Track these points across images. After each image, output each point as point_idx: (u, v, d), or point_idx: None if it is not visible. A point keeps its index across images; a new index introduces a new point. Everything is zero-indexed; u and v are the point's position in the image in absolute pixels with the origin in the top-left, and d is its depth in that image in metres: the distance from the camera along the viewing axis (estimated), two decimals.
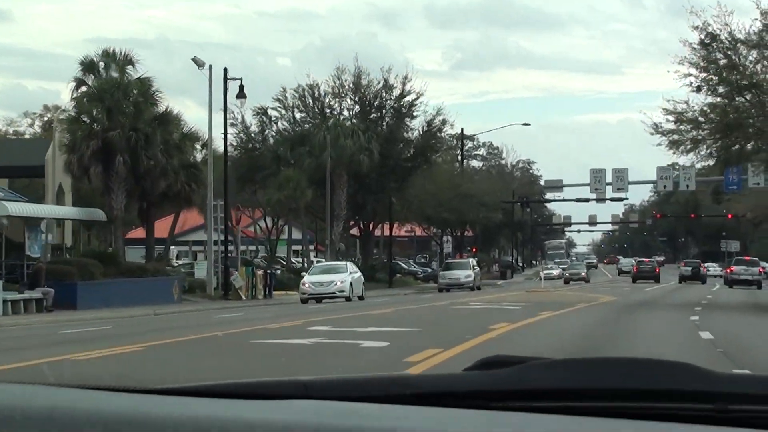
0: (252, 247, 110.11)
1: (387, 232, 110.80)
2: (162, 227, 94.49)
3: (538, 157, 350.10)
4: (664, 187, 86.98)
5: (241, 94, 61.57)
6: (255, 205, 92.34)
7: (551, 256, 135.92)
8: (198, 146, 64.51)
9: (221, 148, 65.24)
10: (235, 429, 2.25)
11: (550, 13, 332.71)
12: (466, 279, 77.16)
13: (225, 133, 61.24)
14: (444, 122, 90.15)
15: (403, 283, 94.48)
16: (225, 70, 60.66)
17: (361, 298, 57.23)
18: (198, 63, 58.83)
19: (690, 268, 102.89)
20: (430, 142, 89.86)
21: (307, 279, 57.15)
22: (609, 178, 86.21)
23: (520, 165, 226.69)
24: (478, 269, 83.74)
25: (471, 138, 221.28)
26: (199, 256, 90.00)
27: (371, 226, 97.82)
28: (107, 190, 58.33)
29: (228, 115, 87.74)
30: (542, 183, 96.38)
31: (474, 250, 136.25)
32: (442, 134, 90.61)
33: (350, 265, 60.88)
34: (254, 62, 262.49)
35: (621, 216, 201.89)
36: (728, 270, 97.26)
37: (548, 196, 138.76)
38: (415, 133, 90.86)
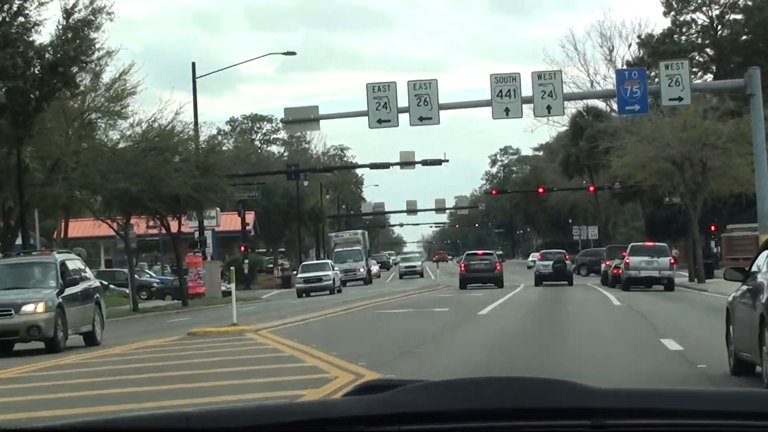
0: None
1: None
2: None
3: (358, 150, 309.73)
4: (506, 111, 46.32)
5: None
6: None
7: (340, 255, 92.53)
8: None
9: None
10: None
11: (376, 11, 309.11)
12: None
13: None
14: (97, 11, 48.07)
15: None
16: None
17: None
18: None
19: (551, 263, 63.85)
20: (72, 45, 47.56)
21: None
22: (404, 101, 45.42)
23: (332, 152, 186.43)
24: None
25: (269, 120, 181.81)
26: None
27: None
28: None
29: None
30: (281, 118, 53.30)
31: (243, 249, 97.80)
32: (95, 31, 48.18)
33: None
34: None
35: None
36: (607, 263, 60.49)
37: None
38: (50, 33, 48.89)
